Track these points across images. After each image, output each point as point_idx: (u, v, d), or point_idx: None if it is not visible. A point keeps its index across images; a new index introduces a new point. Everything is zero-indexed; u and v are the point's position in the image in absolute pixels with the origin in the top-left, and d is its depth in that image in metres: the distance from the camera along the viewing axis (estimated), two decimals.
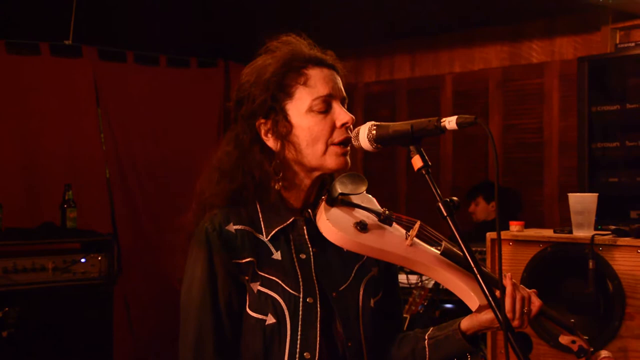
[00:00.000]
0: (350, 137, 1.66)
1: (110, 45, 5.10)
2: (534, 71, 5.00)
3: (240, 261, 1.64)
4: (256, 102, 1.67)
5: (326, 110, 1.66)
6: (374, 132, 1.60)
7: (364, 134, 1.61)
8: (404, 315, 3.81)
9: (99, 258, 4.00)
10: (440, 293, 4.01)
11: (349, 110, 1.71)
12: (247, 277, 1.65)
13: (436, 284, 3.99)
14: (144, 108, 5.22)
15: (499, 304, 1.44)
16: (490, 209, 4.82)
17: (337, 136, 1.66)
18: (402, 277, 4.07)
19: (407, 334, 1.78)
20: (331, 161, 1.66)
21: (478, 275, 1.43)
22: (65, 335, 3.84)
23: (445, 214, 1.49)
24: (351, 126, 1.68)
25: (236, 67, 5.58)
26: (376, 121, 1.62)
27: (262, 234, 1.67)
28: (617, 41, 4.10)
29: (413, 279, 4.15)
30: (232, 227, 1.66)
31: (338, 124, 1.66)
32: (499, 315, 1.43)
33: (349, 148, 1.68)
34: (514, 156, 5.05)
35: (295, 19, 4.75)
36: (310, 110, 1.65)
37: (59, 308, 3.85)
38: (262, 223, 1.68)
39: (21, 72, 4.73)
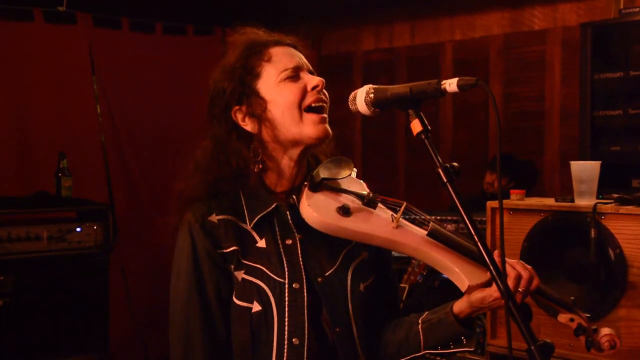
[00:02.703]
0: (324, 100, 1.67)
1: (105, 12, 5.02)
2: (535, 38, 4.93)
3: (225, 251, 1.64)
4: (227, 93, 1.69)
5: (295, 76, 1.67)
6: (372, 95, 1.57)
7: (362, 98, 1.57)
8: (403, 285, 3.78)
9: (95, 227, 3.96)
10: None
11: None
12: (232, 266, 1.63)
13: None
14: (140, 76, 5.15)
15: (500, 274, 1.39)
16: (508, 187, 4.71)
17: (310, 97, 1.66)
18: None
19: (402, 318, 1.76)
20: (309, 130, 1.65)
21: (479, 244, 1.39)
22: (60, 304, 3.82)
23: (445, 180, 1.44)
24: (324, 90, 1.68)
25: (234, 35, 5.50)
26: None
27: (246, 222, 1.66)
28: (622, 6, 4.01)
29: None
30: (215, 218, 1.65)
31: (309, 87, 1.66)
32: (500, 285, 1.38)
33: (326, 115, 1.67)
34: (514, 125, 4.99)
35: None
36: (280, 81, 1.66)
37: (54, 277, 3.82)
38: (245, 211, 1.67)
39: (14, 39, 4.65)
